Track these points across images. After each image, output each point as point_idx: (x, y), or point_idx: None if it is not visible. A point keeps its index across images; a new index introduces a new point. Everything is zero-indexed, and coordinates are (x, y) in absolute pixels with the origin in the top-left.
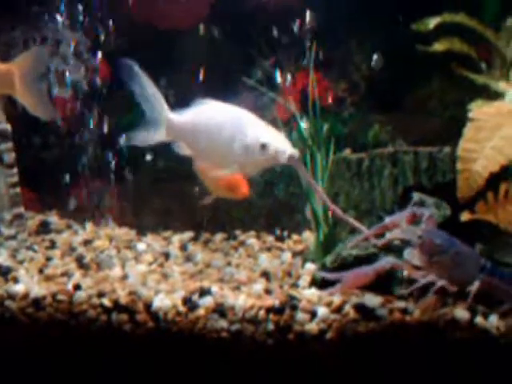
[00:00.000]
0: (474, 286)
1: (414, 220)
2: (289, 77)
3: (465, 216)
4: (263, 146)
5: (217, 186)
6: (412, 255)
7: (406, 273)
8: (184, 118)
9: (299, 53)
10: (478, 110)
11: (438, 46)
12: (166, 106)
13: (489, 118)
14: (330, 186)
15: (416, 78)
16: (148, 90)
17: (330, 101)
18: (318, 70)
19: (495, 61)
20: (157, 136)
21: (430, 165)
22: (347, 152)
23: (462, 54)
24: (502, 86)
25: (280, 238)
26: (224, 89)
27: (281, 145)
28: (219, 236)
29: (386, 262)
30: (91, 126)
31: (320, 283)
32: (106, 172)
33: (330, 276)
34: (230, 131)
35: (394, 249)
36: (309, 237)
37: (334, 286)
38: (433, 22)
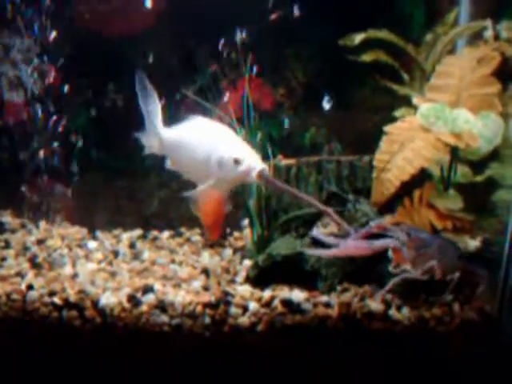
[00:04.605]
0: (455, 275)
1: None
2: (230, 83)
3: (387, 219)
4: (237, 161)
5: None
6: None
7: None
8: (171, 133)
9: (241, 60)
10: (392, 125)
11: (366, 57)
12: (160, 121)
13: (401, 131)
14: (261, 190)
15: (351, 83)
16: (151, 104)
17: (269, 105)
18: (259, 77)
19: (416, 73)
20: (151, 148)
21: (350, 172)
22: (279, 158)
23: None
24: (415, 100)
25: (222, 235)
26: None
27: (253, 161)
28: (166, 233)
29: (389, 242)
30: (42, 129)
31: (253, 279)
32: (58, 172)
33: (325, 239)
34: (207, 147)
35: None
36: (248, 234)
37: (330, 249)
38: (358, 38)
